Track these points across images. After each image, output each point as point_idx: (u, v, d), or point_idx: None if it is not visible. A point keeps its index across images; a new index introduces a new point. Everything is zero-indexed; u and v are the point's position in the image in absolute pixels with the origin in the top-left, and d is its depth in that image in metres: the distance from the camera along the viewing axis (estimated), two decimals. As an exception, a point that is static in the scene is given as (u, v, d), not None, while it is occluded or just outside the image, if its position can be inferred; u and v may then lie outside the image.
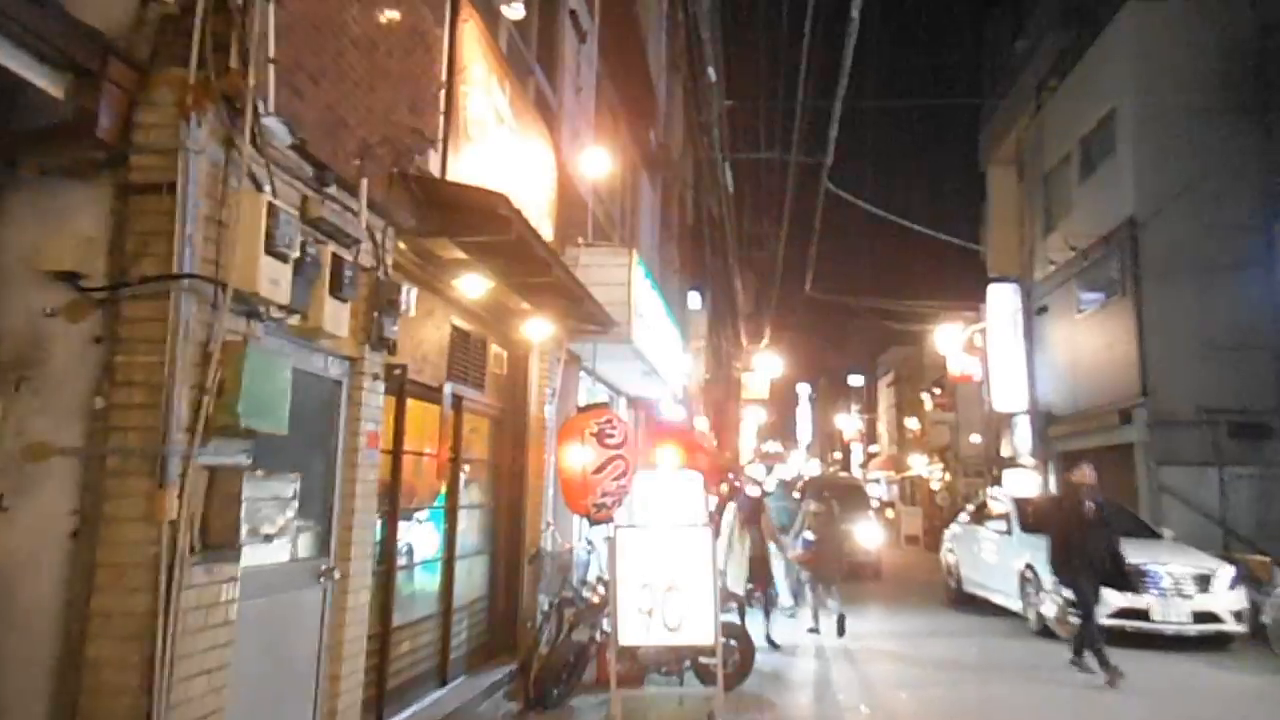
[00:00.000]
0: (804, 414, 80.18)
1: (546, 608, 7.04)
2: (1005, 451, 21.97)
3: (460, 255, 5.25)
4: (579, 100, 8.90)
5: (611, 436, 7.49)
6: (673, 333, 11.42)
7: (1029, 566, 10.40)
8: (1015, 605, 10.76)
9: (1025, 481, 22.07)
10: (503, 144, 6.35)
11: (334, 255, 3.87)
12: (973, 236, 27.06)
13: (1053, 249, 18.48)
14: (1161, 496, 14.48)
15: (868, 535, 16.82)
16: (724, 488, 28.24)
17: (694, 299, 21.48)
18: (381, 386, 4.67)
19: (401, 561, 5.77)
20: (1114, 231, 15.87)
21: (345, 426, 4.38)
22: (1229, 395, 14.68)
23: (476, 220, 4.93)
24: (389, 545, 5.50)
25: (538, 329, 7.19)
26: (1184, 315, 14.89)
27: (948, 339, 21.63)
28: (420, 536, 6.25)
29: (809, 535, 9.90)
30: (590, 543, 7.11)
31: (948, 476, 30.90)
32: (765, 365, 25.56)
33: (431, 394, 6.08)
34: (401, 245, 4.98)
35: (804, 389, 78.40)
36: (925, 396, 33.57)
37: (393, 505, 5.55)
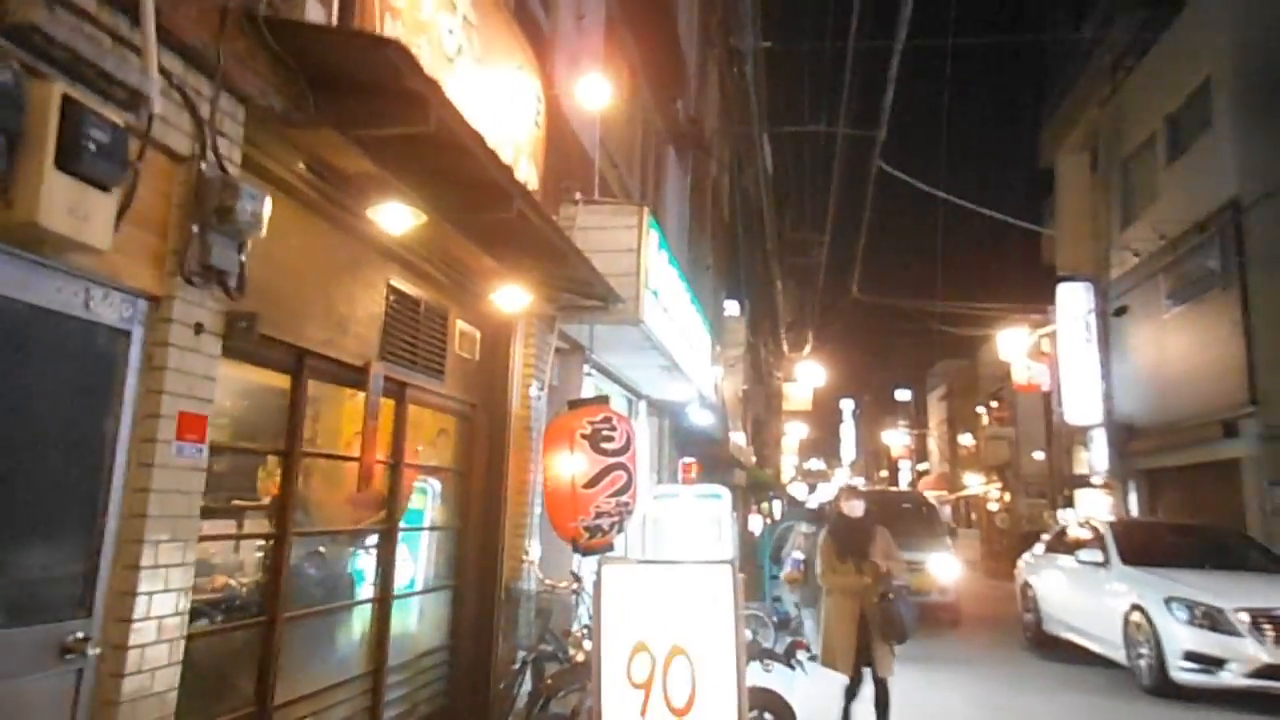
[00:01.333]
0: (848, 430, 77.70)
1: (518, 664, 5.36)
2: (1078, 469, 19.80)
3: (369, 166, 3.62)
4: (580, 30, 7.28)
5: (609, 440, 5.79)
6: (699, 324, 9.72)
7: (1136, 609, 8.45)
8: (1117, 655, 8.80)
9: (1101, 503, 19.89)
10: (455, 46, 4.72)
11: (67, 101, 2.26)
12: (1035, 239, 25.06)
13: (1134, 242, 16.44)
14: (1275, 521, 12.35)
15: (942, 569, 12.58)
16: (764, 506, 26.37)
17: (731, 307, 19.80)
18: (216, 346, 3.04)
19: (298, 608, 4.13)
20: (1212, 216, 13.82)
21: (135, 405, 2.75)
22: (1353, 405, 12.53)
23: (380, 105, 3.30)
24: (274, 586, 3.87)
25: (515, 299, 5.54)
26: (1300, 312, 12.78)
27: (1012, 345, 19.58)
28: (335, 570, 4.62)
29: (798, 555, 9.75)
30: (578, 579, 5.42)
31: (1007, 496, 28.63)
32: (808, 374, 23.68)
33: (351, 376, 4.45)
34: (291, 162, 3.38)
35: (847, 404, 76.04)
36: (981, 410, 31.36)
37: (280, 528, 3.93)
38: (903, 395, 51.60)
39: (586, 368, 7.78)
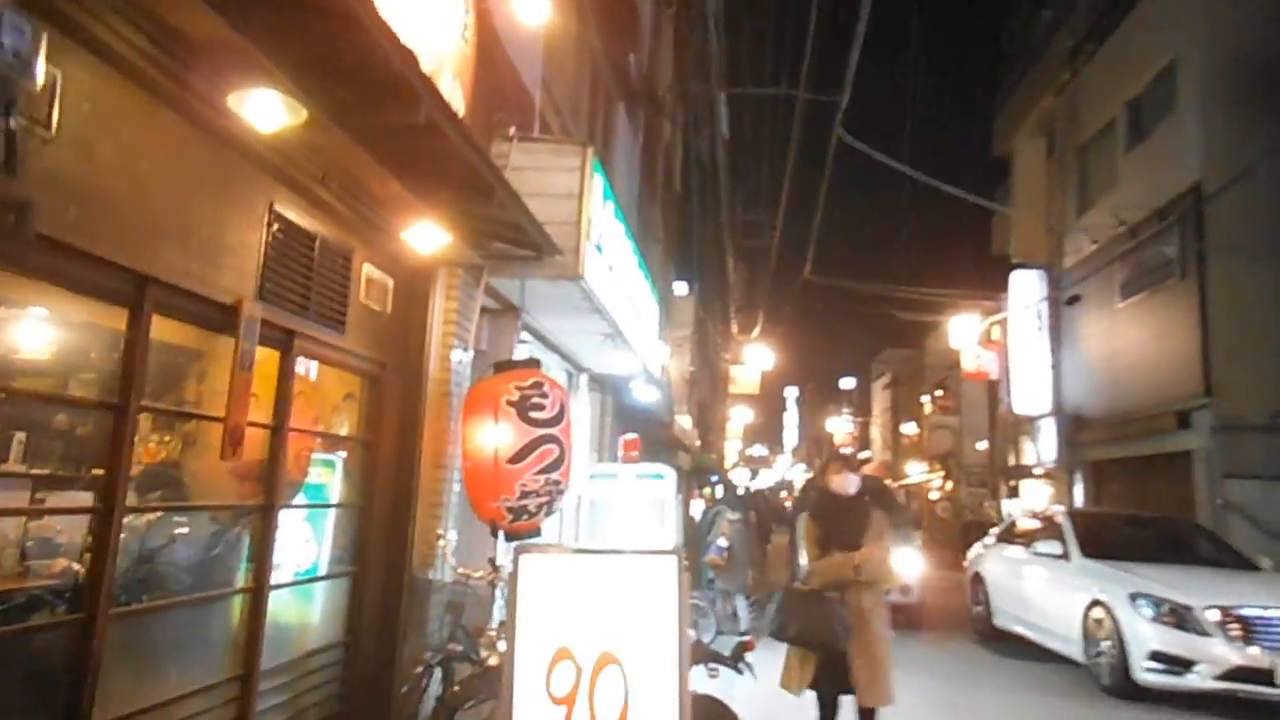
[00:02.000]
0: (791, 418, 77.98)
1: (425, 665, 4.57)
2: (1027, 459, 19.63)
3: (223, 30, 2.77)
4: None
5: (540, 408, 5.02)
6: (647, 292, 8.98)
7: (1098, 604, 8.00)
8: (1074, 652, 8.35)
9: (1043, 494, 19.78)
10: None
11: None
12: (986, 227, 24.86)
13: (1090, 229, 16.16)
14: (1227, 515, 12.14)
15: (904, 565, 10.83)
16: (708, 491, 25.88)
17: (680, 287, 19.13)
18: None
19: (132, 602, 3.30)
20: (1173, 203, 13.53)
21: None
22: (1306, 397, 12.37)
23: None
24: (97, 574, 3.03)
25: (432, 239, 4.71)
26: (1256, 302, 12.56)
27: (962, 331, 19.27)
28: (190, 556, 3.79)
29: (723, 541, 9.70)
30: (497, 568, 4.64)
31: (949, 486, 28.61)
32: (756, 358, 23.15)
33: (216, 317, 3.60)
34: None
35: (792, 392, 76.24)
36: (926, 399, 31.29)
37: (106, 501, 3.08)
38: (847, 383, 51.72)
39: (522, 333, 6.99)
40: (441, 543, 4.91)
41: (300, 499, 5.07)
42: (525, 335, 7.26)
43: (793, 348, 49.52)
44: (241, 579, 4.03)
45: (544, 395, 5.09)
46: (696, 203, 16.54)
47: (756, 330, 21.81)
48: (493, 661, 4.20)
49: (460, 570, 4.64)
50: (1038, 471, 18.86)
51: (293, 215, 4.08)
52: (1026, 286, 18.19)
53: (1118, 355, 15.44)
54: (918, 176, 12.34)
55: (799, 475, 71.28)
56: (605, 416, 11.60)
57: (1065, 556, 8.97)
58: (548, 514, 5.19)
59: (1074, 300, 17.11)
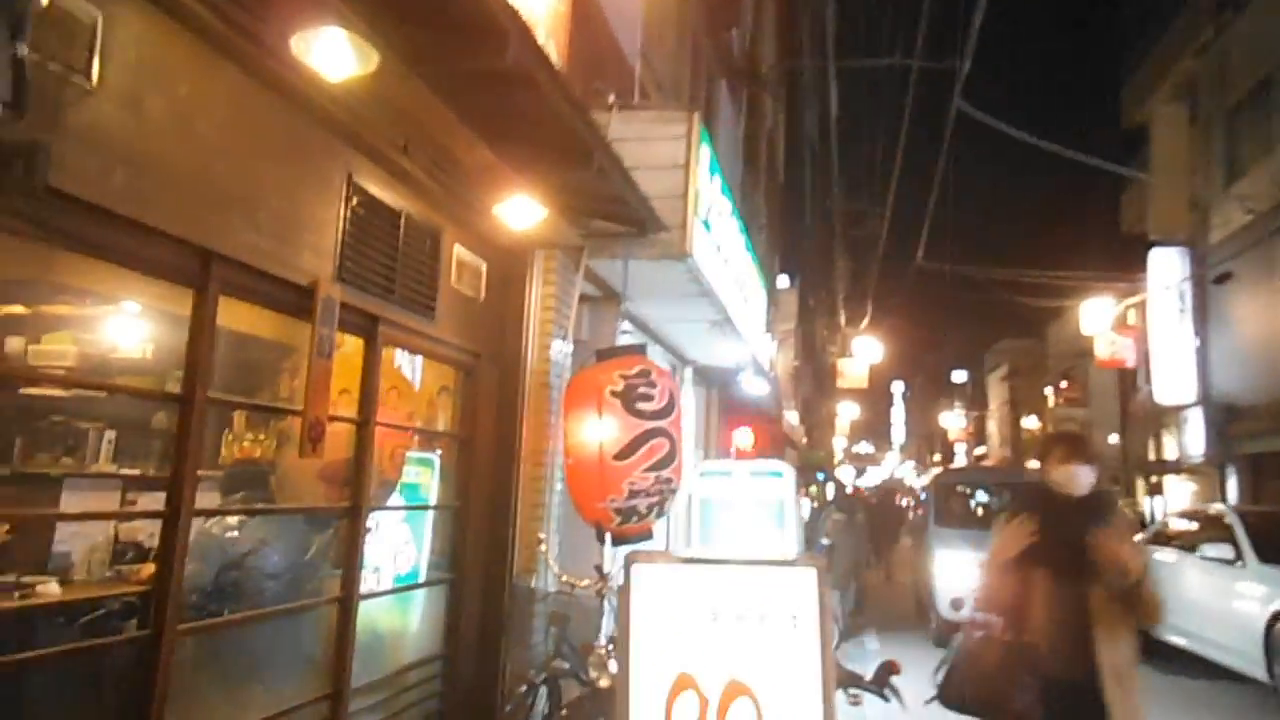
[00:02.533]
0: (898, 413, 75.46)
1: (530, 683, 4.15)
2: (1168, 453, 18.04)
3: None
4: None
5: (647, 399, 4.53)
6: (754, 275, 8.39)
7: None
8: (1253, 669, 7.33)
9: (1188, 491, 18.15)
10: None
11: None
12: (1115, 205, 23.12)
13: (1244, 200, 14.62)
14: None
15: None
16: (813, 489, 24.97)
17: (783, 281, 18.43)
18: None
19: (203, 616, 2.97)
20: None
21: None
22: None
23: None
24: (163, 585, 2.70)
25: (527, 214, 4.27)
26: None
27: (1095, 316, 17.82)
28: (269, 563, 3.46)
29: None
30: (606, 576, 4.19)
31: (1077, 483, 26.78)
32: (865, 350, 22.13)
33: (291, 299, 3.25)
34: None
35: (898, 387, 73.74)
36: (1049, 391, 29.46)
37: (173, 503, 2.74)
38: (959, 376, 49.50)
39: (623, 322, 6.53)
40: (543, 547, 4.48)
41: (396, 500, 4.74)
42: (626, 325, 6.79)
43: (900, 341, 47.69)
44: (329, 588, 3.69)
45: (651, 384, 4.59)
46: (805, 186, 15.82)
47: (865, 321, 20.84)
48: (603, 683, 3.74)
49: (564, 578, 4.20)
50: (1186, 466, 17.31)
51: (374, 189, 3.71)
52: (1167, 265, 16.65)
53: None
54: (1043, 145, 11.27)
55: (907, 473, 69.04)
56: (710, 412, 11.08)
57: (1238, 561, 7.91)
58: (659, 515, 4.70)
59: (1225, 278, 15.53)
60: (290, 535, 3.85)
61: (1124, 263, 18.69)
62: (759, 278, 9.09)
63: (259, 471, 3.88)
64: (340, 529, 3.74)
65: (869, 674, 3.86)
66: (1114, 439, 24.10)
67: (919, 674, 3.64)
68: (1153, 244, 17.10)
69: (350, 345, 3.82)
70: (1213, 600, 8.20)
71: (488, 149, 3.65)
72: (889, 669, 4.05)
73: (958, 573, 8.78)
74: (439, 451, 4.83)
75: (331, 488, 3.79)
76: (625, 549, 4.62)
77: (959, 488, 11.99)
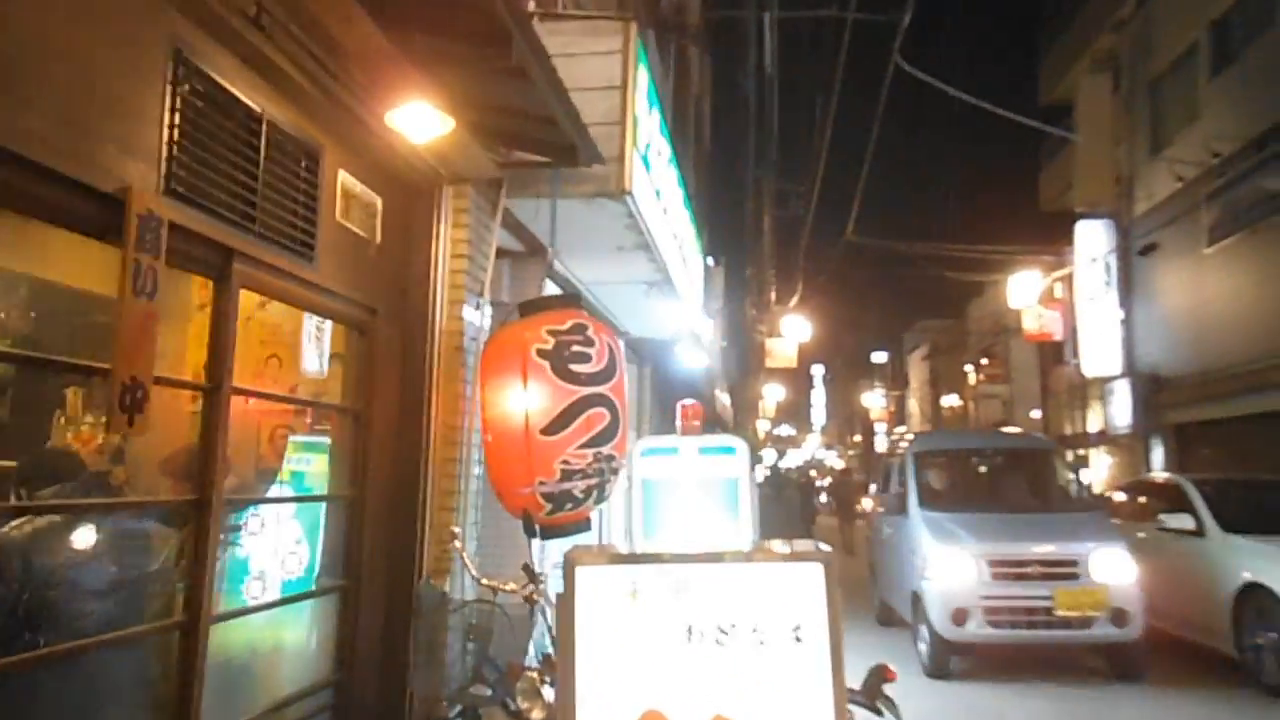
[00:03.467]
0: (818, 396, 76.26)
1: (439, 714, 3.31)
2: (1091, 426, 18.11)
3: None
4: None
5: (582, 359, 3.73)
6: (692, 233, 7.65)
7: (1254, 588, 6.62)
8: (1221, 645, 6.99)
9: (1110, 462, 18.31)
10: None
11: None
12: (1035, 182, 23.24)
13: (1165, 172, 14.59)
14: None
15: (1112, 573, 6.81)
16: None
17: (708, 260, 17.74)
18: None
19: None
20: (1276, 129, 11.95)
21: None
22: None
23: None
24: None
25: (425, 125, 3.37)
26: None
27: (1022, 290, 17.72)
28: (98, 574, 2.56)
29: None
30: (537, 578, 3.37)
31: (999, 459, 27.12)
32: (794, 328, 21.72)
33: (90, 213, 2.32)
34: None
35: (819, 370, 74.44)
36: (969, 369, 29.72)
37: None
38: (878, 357, 50.04)
39: (548, 284, 5.68)
40: (458, 544, 3.63)
41: (280, 492, 3.83)
42: (554, 289, 5.96)
43: (821, 324, 47.96)
44: (169, 609, 2.78)
45: (588, 342, 3.79)
46: (734, 156, 15.16)
47: (795, 299, 20.38)
48: (536, 715, 2.92)
49: (485, 582, 3.36)
50: (1112, 437, 17.38)
51: (217, 75, 2.78)
52: (1093, 237, 16.60)
53: (1205, 306, 13.89)
54: (985, 105, 10.85)
55: (829, 456, 69.81)
56: (645, 390, 10.32)
57: (1200, 533, 7.57)
58: (598, 501, 3.91)
59: (1150, 249, 15.55)
60: (131, 542, 2.93)
61: (1047, 239, 18.68)
62: (696, 240, 8.36)
63: (73, 460, 2.94)
64: (183, 530, 2.83)
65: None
66: (1036, 414, 24.37)
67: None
68: (1078, 216, 17.06)
69: (188, 284, 2.91)
70: (1174, 574, 7.85)
71: (371, 22, 2.76)
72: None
73: (958, 573, 6.87)
74: (327, 431, 3.94)
75: (168, 473, 2.87)
76: (560, 544, 3.82)
77: (945, 457, 9.42)
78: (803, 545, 2.39)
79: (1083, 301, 16.91)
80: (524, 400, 3.67)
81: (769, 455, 54.07)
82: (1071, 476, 8.61)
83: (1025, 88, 20.07)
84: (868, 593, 10.06)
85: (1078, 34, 19.58)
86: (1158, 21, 15.77)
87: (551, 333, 3.76)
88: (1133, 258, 16.15)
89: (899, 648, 7.65)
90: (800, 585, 2.17)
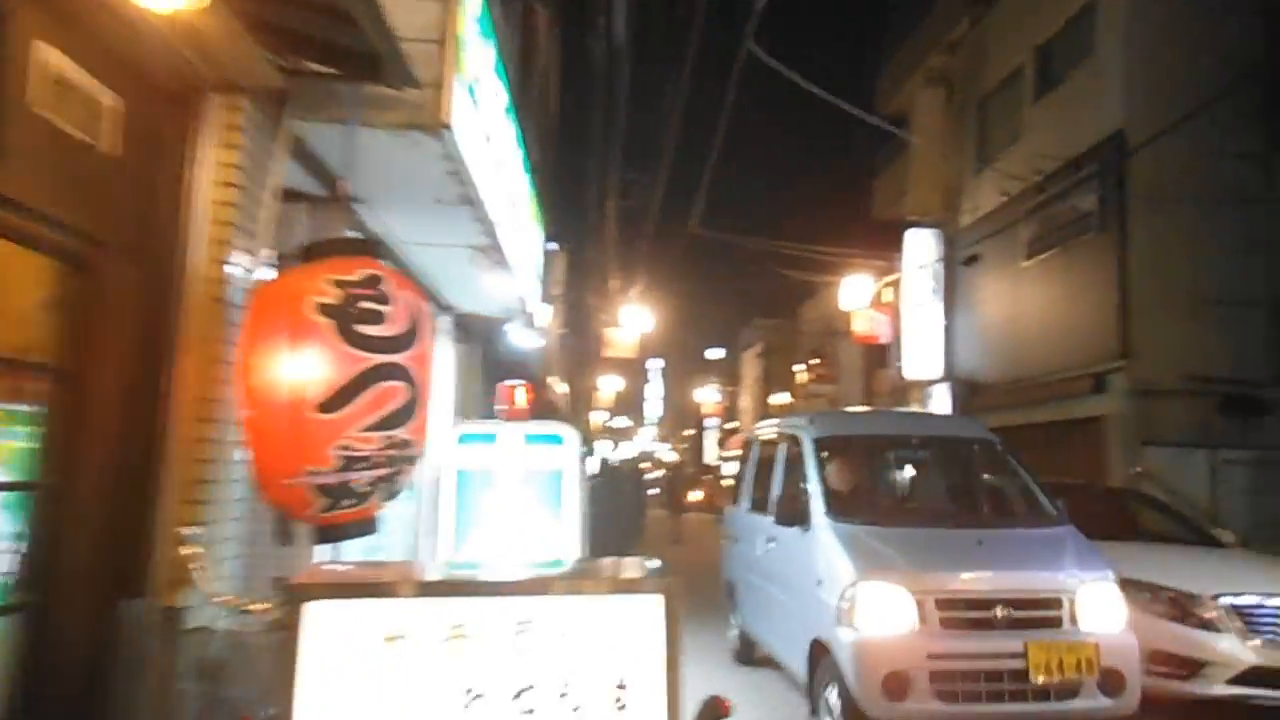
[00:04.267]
0: (655, 389, 77.23)
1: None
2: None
3: None
4: None
5: (375, 320, 2.98)
6: (530, 201, 6.96)
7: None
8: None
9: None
10: None
11: None
12: (868, 197, 23.99)
13: (990, 186, 15.26)
14: (1140, 482, 11.37)
15: (1099, 617, 5.08)
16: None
17: (551, 246, 17.06)
18: None
19: None
20: (1090, 153, 12.63)
21: None
22: (1218, 361, 11.78)
23: None
24: None
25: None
26: (1175, 258, 11.85)
27: (854, 292, 18.17)
28: None
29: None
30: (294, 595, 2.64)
31: (823, 456, 28.02)
32: (635, 318, 21.40)
33: None
34: None
35: (656, 364, 75.32)
36: (800, 368, 30.57)
37: None
38: (715, 354, 51.06)
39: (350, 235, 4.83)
40: (192, 549, 2.80)
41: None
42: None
43: (660, 319, 48.34)
44: None
45: (383, 299, 3.04)
46: (575, 136, 14.54)
47: (637, 289, 20.00)
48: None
49: (219, 600, 2.57)
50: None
51: None
52: (922, 246, 17.23)
53: (1021, 317, 14.61)
54: (820, 94, 10.79)
55: (663, 450, 70.73)
56: (472, 373, 9.52)
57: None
58: (389, 496, 3.17)
59: (972, 260, 16.24)
60: None
61: (879, 246, 19.24)
62: (537, 214, 7.67)
63: None
64: None
65: None
66: (858, 414, 25.28)
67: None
68: (908, 225, 17.64)
69: None
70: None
71: None
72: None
73: (895, 619, 4.78)
74: (38, 403, 2.98)
75: None
76: (334, 547, 3.05)
77: (859, 448, 6.65)
78: (634, 566, 1.79)
79: (909, 307, 17.51)
80: (295, 366, 2.88)
81: (604, 447, 54.13)
82: (1027, 476, 6.36)
83: (863, 100, 20.49)
84: (712, 606, 8.10)
85: (914, 50, 20.30)
86: (988, 43, 16.48)
87: (338, 284, 2.99)
88: (957, 267, 16.85)
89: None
90: (630, 626, 1.56)
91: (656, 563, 1.79)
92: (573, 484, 4.80)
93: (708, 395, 46.90)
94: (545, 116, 15.25)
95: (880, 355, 21.72)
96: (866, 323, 18.27)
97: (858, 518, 5.55)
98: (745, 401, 41.79)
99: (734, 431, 44.25)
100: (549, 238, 17.66)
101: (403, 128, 3.71)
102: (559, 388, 15.22)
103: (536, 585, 1.60)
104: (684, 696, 1.56)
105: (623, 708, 1.51)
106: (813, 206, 44.82)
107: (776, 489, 6.58)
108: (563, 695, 1.50)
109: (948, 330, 17.11)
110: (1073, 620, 4.94)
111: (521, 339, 8.18)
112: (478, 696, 1.48)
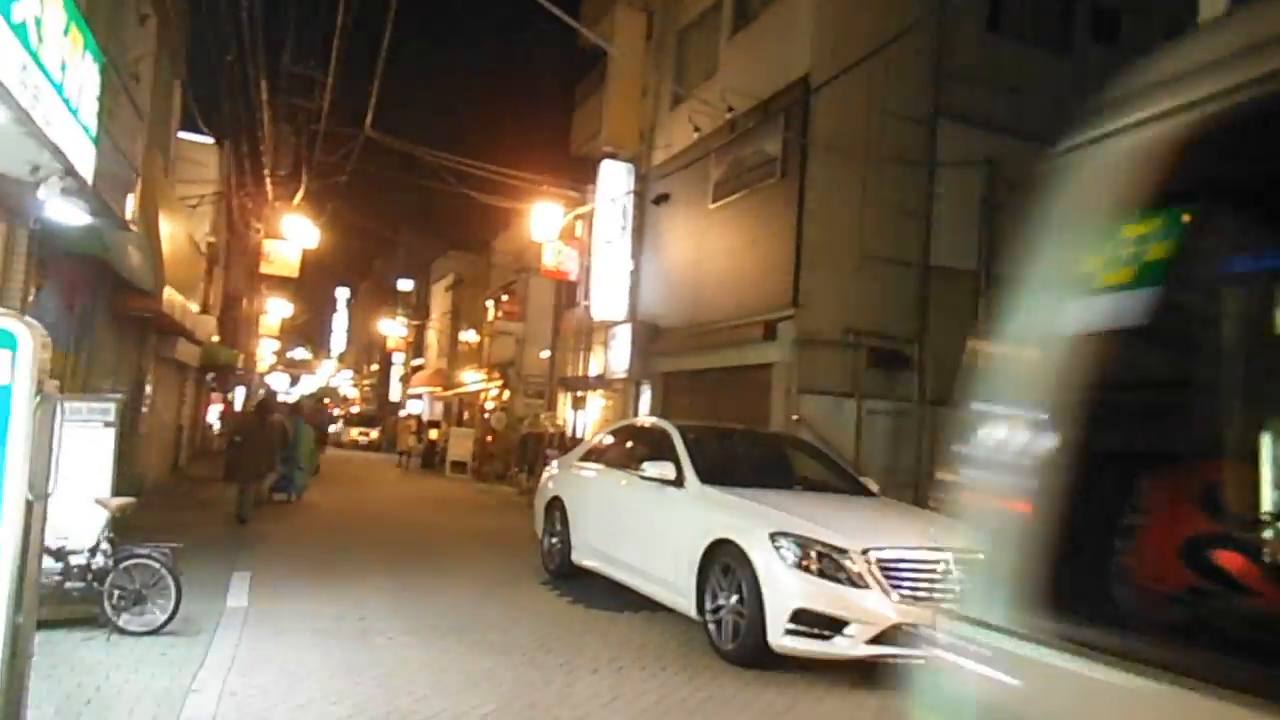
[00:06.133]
0: (340, 320, 71.96)
1: None
2: (595, 370, 18.32)
3: None
4: None
5: None
6: (64, 25, 4.82)
7: (724, 544, 6.09)
8: (683, 605, 6.43)
9: (604, 406, 18.79)
10: None
11: None
12: (569, 126, 23.03)
13: (685, 123, 14.83)
14: (798, 430, 11.55)
15: None
16: (229, 395, 20.96)
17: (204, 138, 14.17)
18: None
19: None
20: (779, 95, 12.46)
21: None
22: (872, 316, 12.26)
23: None
24: None
25: None
26: (845, 213, 12.05)
27: (545, 222, 17.10)
28: None
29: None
30: None
31: (506, 395, 27.08)
32: (298, 231, 18.63)
33: None
34: None
35: (343, 293, 70.08)
36: (490, 304, 29.28)
37: None
38: (405, 285, 48.05)
39: None
40: None
41: None
42: None
43: (345, 246, 44.46)
44: None
45: None
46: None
47: (299, 196, 17.33)
48: None
49: None
50: (610, 381, 17.71)
51: None
52: (614, 179, 16.54)
53: (705, 260, 14.41)
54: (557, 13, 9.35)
55: (344, 383, 66.22)
56: (14, 258, 7.04)
57: (678, 482, 7.00)
58: None
59: (662, 199, 15.83)
60: None
61: (579, 182, 18.36)
62: (87, 45, 5.49)
63: None
64: None
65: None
66: (546, 354, 24.57)
67: None
68: (605, 155, 16.87)
69: None
70: (648, 525, 7.22)
71: None
72: None
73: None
74: None
75: None
76: None
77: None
78: None
79: (599, 244, 16.81)
80: None
81: (280, 379, 49.08)
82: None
83: (567, 33, 19.34)
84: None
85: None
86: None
87: None
88: (648, 206, 16.39)
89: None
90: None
91: None
92: (23, 412, 3.08)
93: (392, 328, 44.09)
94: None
95: (570, 295, 21.04)
96: (555, 256, 17.34)
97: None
98: (432, 337, 39.74)
99: (419, 368, 42.07)
100: (205, 121, 14.72)
101: None
102: (186, 303, 12.55)
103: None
104: None
105: None
106: (514, 138, 43.24)
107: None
108: None
109: (635, 271, 16.68)
110: None
111: (63, 212, 5.94)
112: None
